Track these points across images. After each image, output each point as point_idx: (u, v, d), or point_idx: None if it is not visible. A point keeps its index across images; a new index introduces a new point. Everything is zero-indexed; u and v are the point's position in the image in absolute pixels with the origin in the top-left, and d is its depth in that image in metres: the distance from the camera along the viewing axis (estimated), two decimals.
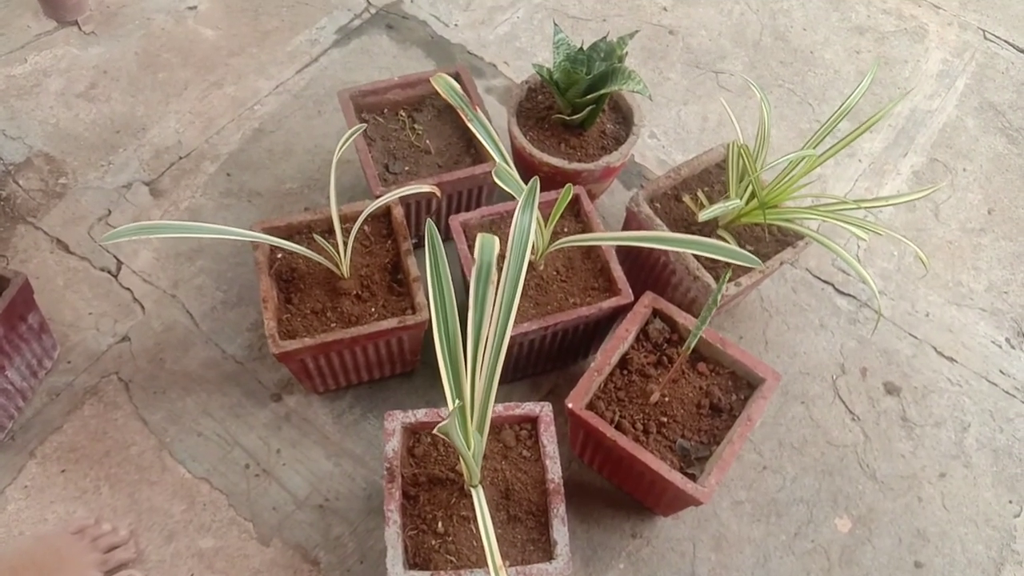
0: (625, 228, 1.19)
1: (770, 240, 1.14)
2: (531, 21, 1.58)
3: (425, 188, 1.00)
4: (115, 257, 1.27)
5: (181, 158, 1.37)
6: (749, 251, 1.12)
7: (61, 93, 1.43)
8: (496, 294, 0.80)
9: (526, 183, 1.23)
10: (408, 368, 1.16)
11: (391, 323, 1.01)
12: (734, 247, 0.82)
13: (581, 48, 1.16)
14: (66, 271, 1.25)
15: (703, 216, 0.95)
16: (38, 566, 0.87)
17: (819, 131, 1.06)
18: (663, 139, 1.44)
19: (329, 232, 1.11)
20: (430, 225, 0.79)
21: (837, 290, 1.30)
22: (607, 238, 0.92)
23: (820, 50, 1.58)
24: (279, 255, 1.09)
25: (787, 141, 1.45)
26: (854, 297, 1.30)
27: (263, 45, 1.51)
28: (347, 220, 1.11)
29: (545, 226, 1.00)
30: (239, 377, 1.17)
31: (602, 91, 1.12)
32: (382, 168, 1.19)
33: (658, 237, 0.86)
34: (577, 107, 1.16)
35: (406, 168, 1.20)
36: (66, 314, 1.21)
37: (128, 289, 1.24)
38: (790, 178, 1.04)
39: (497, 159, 0.95)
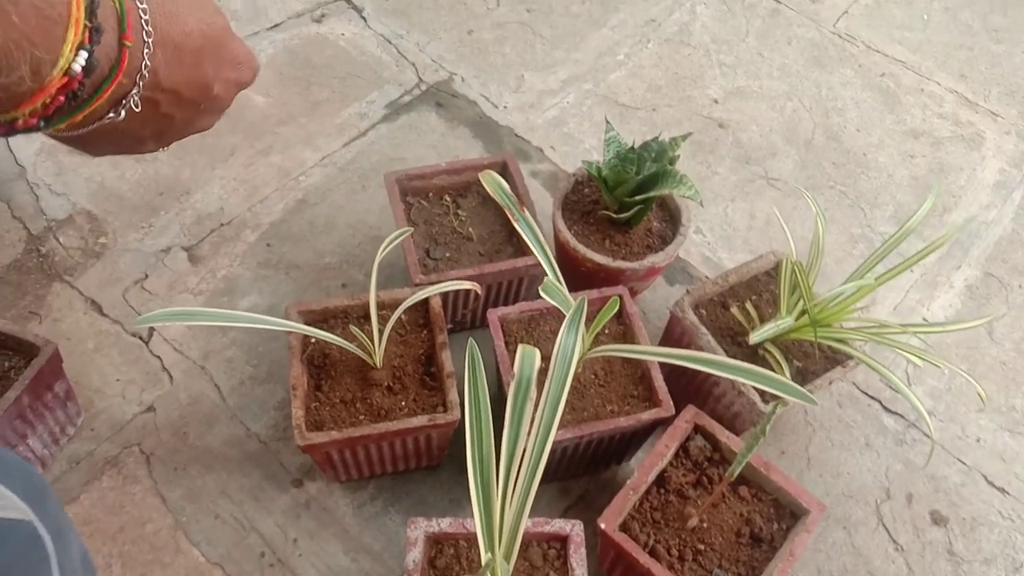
0: (667, 333, 1.16)
1: (819, 356, 1.09)
2: (580, 107, 1.57)
3: (465, 284, 0.98)
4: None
5: (222, 225, 1.36)
6: (797, 367, 1.08)
7: None
8: (535, 412, 0.77)
9: (568, 278, 1.21)
10: (434, 463, 1.12)
11: (421, 421, 0.97)
12: (788, 382, 0.79)
13: (632, 147, 1.14)
14: (97, 334, 1.24)
15: (754, 339, 0.91)
16: None
17: (875, 253, 1.02)
18: (709, 235, 1.41)
19: (365, 319, 1.09)
20: (471, 348, 0.76)
21: (884, 407, 1.25)
22: (651, 352, 0.89)
23: (874, 152, 1.55)
24: (312, 339, 1.07)
25: (837, 246, 1.41)
26: (902, 416, 1.24)
27: (312, 115, 1.51)
28: (384, 307, 1.09)
29: (587, 332, 0.97)
30: (261, 458, 1.14)
31: (651, 193, 1.09)
32: (423, 253, 1.17)
33: (707, 360, 0.83)
34: (624, 206, 1.14)
35: (447, 254, 1.18)
36: (93, 378, 1.20)
37: (158, 357, 1.23)
38: (844, 301, 1.01)
39: (546, 268, 0.93)
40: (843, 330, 1.03)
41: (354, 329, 0.99)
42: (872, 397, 1.26)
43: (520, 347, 0.80)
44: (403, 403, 1.02)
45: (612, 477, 1.16)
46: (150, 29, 0.41)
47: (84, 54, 0.37)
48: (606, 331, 1.09)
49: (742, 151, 1.53)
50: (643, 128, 1.55)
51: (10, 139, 1.43)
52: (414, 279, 1.10)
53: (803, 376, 1.08)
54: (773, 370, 1.05)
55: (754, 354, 1.08)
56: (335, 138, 1.49)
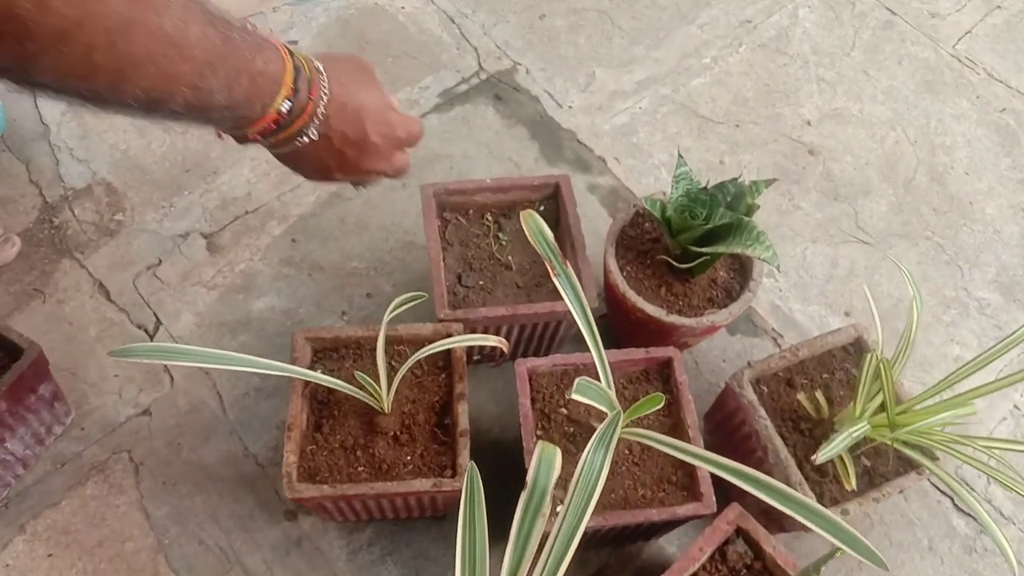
0: (719, 405, 1.02)
1: (892, 456, 0.94)
2: (654, 114, 1.41)
3: (491, 340, 0.85)
4: (155, 315, 1.16)
5: (248, 212, 1.26)
6: (865, 465, 0.94)
7: None
8: (549, 526, 0.64)
9: (616, 321, 1.07)
10: (439, 514, 1.01)
11: (424, 485, 0.86)
12: (857, 536, 0.64)
13: (705, 187, 0.99)
14: (101, 321, 1.15)
15: (820, 458, 0.77)
16: None
17: (974, 361, 0.86)
18: (782, 280, 1.25)
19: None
20: (471, 473, 0.64)
21: (955, 506, 1.10)
22: (695, 455, 0.75)
23: (981, 201, 1.36)
24: (318, 370, 0.96)
25: (927, 308, 1.24)
26: (974, 519, 1.09)
27: None
28: (400, 343, 0.97)
29: (625, 412, 0.83)
30: (256, 482, 1.05)
31: (719, 249, 0.94)
32: (454, 279, 1.04)
33: (765, 484, 0.68)
34: (687, 254, 0.99)
35: (480, 283, 1.05)
36: (91, 371, 1.11)
37: None
38: (932, 410, 0.85)
39: (588, 342, 0.79)
40: (924, 438, 0.87)
41: (360, 376, 0.87)
42: (943, 492, 1.10)
43: (539, 446, 0.68)
44: (408, 457, 0.91)
45: (635, 551, 1.04)
46: (326, 91, 0.63)
47: (288, 103, 0.59)
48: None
49: (831, 185, 1.36)
50: (721, 146, 1.38)
51: (38, 99, 1.34)
52: (439, 312, 0.98)
53: (871, 477, 0.94)
54: (836, 469, 0.91)
55: (818, 444, 0.94)
56: None
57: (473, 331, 1.03)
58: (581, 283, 1.00)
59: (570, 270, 0.81)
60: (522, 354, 1.13)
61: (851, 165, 1.38)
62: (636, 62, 1.48)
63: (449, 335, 0.96)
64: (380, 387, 0.87)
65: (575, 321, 0.81)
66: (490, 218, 1.10)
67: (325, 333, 0.96)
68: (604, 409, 0.73)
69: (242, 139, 0.62)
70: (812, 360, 1.00)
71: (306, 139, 0.63)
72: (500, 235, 1.09)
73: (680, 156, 1.00)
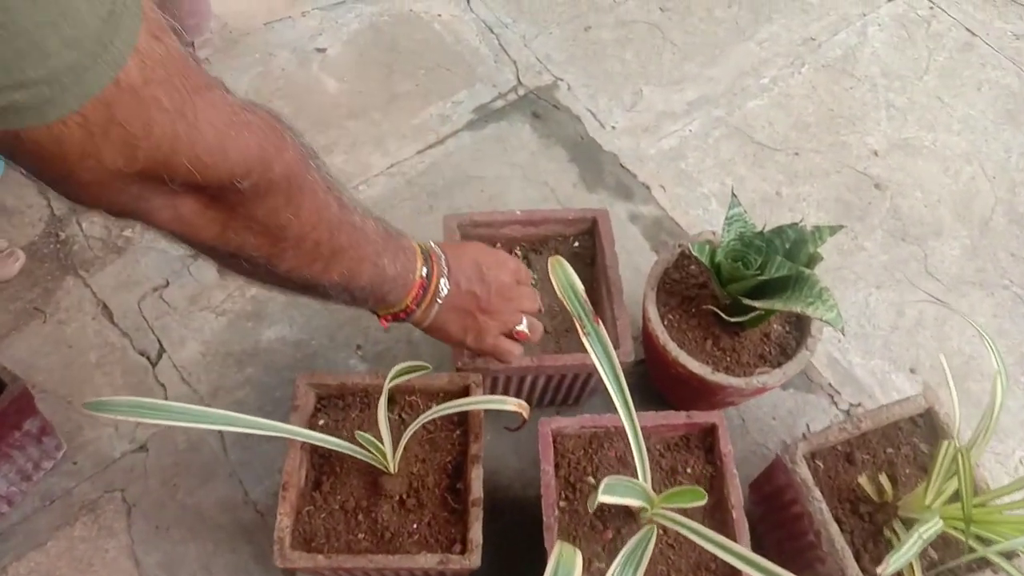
0: (767, 477, 0.91)
1: (964, 550, 0.82)
2: (705, 138, 1.30)
3: (510, 404, 0.75)
4: (159, 341, 1.09)
5: None
6: (932, 559, 0.82)
7: None
8: None
9: (656, 374, 0.97)
10: None
11: (430, 561, 0.77)
12: None
13: (761, 232, 0.88)
14: (103, 345, 1.08)
15: (889, 570, 0.66)
16: None
17: None
18: None
19: (391, 401, 0.88)
20: None
21: None
22: (746, 560, 0.64)
23: None
24: (321, 420, 0.87)
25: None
26: None
27: (388, 111, 1.30)
28: (412, 393, 0.88)
29: (659, 495, 0.73)
30: (254, 532, 0.97)
31: (775, 306, 0.83)
32: None
33: None
34: (738, 306, 0.88)
35: None
36: (88, 398, 1.04)
37: (163, 385, 1.06)
38: (1015, 504, 0.73)
39: (620, 409, 0.69)
40: (1002, 535, 0.75)
41: (361, 436, 0.78)
42: None
43: (557, 548, 0.58)
44: (415, 525, 0.81)
45: None
46: (439, 251, 0.75)
47: (424, 268, 0.72)
48: (689, 470, 0.85)
49: (899, 223, 1.23)
50: (779, 176, 1.26)
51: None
52: (456, 361, 0.89)
53: (937, 571, 0.82)
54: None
55: (879, 532, 0.83)
56: (409, 142, 1.27)
57: (494, 382, 0.94)
58: (616, 332, 0.90)
59: (601, 329, 0.71)
60: (549, 402, 1.03)
61: (921, 202, 1.25)
62: (687, 80, 1.37)
63: (466, 388, 0.86)
64: (384, 449, 0.78)
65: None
66: (519, 253, 1.01)
67: (330, 380, 0.87)
68: (637, 504, 0.63)
69: (401, 314, 0.73)
70: (875, 433, 0.88)
71: (444, 291, 0.73)
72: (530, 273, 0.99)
73: (733, 195, 0.89)
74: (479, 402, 0.78)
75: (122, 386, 1.06)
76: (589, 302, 0.73)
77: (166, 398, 1.05)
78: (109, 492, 0.99)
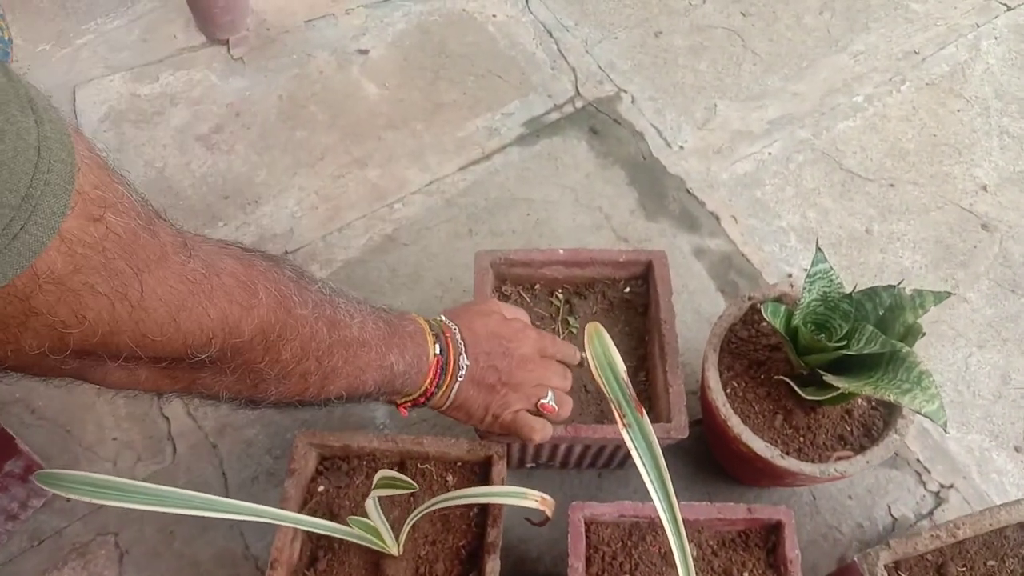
0: None
1: None
2: (786, 163, 1.15)
3: (530, 499, 0.63)
4: None
5: (288, 252, 1.08)
6: None
7: (181, 130, 1.17)
8: None
9: (712, 442, 0.85)
10: None
11: None
12: None
13: (849, 295, 0.74)
14: None
15: None
16: None
17: None
18: None
19: (400, 466, 0.77)
20: None
21: None
22: None
23: None
24: (321, 487, 0.76)
25: None
26: None
27: (431, 121, 1.18)
28: (425, 459, 0.76)
29: None
30: None
31: (863, 388, 0.69)
32: None
33: None
34: (815, 380, 0.74)
35: None
36: (88, 431, 0.96)
37: (167, 419, 0.97)
38: None
39: (664, 517, 0.56)
40: None
41: (357, 521, 0.66)
42: None
43: None
44: None
45: None
46: (451, 323, 0.69)
47: (437, 346, 0.66)
48: (745, 574, 0.72)
49: (1009, 272, 1.06)
50: (870, 210, 1.10)
51: (77, 103, 1.20)
52: (478, 431, 0.77)
53: None
54: None
55: None
56: (451, 157, 1.15)
57: (523, 447, 0.81)
58: (668, 403, 0.77)
59: (645, 421, 0.58)
60: (589, 465, 0.90)
61: None
62: (769, 96, 1.21)
63: (488, 459, 0.74)
64: (383, 535, 0.67)
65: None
66: (560, 297, 0.88)
67: (333, 440, 0.76)
68: None
69: (420, 399, 0.67)
70: (975, 541, 0.73)
71: (463, 368, 0.67)
72: (570, 319, 0.87)
73: (819, 249, 0.75)
74: (495, 494, 0.66)
75: (123, 417, 0.97)
76: (631, 385, 0.59)
77: (169, 433, 0.96)
78: (102, 535, 0.91)
